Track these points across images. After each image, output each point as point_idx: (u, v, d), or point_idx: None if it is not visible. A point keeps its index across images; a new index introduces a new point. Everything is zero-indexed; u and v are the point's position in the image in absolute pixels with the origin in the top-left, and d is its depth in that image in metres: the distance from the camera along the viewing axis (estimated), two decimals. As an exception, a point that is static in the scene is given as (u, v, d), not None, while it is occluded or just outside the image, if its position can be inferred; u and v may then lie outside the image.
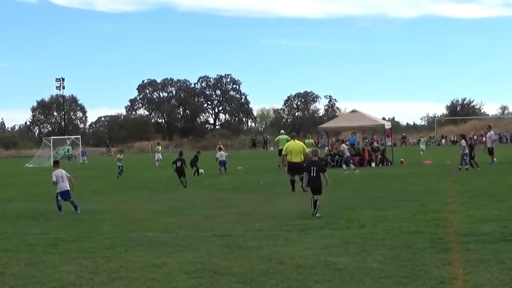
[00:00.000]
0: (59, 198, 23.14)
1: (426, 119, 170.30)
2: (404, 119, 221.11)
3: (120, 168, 44.64)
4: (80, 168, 46.91)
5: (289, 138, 46.21)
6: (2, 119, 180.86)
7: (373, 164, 46.74)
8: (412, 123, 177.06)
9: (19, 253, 14.54)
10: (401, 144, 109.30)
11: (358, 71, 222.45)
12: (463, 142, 40.08)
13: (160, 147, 64.69)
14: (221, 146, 49.59)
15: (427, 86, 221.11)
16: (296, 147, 28.76)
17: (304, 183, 20.12)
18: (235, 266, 12.21)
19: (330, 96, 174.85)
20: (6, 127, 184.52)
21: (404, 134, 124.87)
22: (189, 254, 13.64)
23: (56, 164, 24.58)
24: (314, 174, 19.65)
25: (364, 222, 17.37)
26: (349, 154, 43.06)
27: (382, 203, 21.79)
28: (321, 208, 19.41)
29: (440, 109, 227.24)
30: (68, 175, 23.58)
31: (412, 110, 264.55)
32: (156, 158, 58.47)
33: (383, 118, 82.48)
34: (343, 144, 45.56)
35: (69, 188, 23.16)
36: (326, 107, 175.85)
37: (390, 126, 57.30)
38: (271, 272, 11.57)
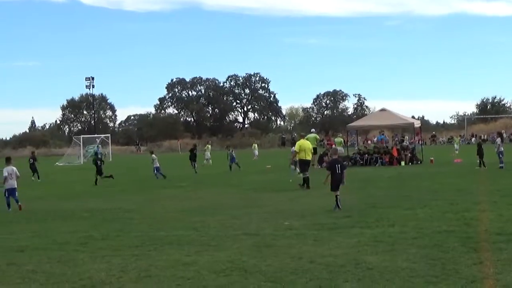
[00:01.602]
0: (7, 195, 24.19)
1: (456, 117, 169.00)
2: (433, 118, 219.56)
3: (157, 169, 42.21)
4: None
5: (318, 137, 46.35)
6: (32, 117, 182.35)
7: (402, 163, 46.48)
8: (442, 122, 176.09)
9: (50, 251, 14.64)
10: (430, 143, 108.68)
11: (387, 70, 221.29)
12: (498, 140, 39.66)
13: (210, 146, 64.60)
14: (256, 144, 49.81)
15: (456, 85, 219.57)
16: (308, 146, 30.47)
17: (330, 180, 20.91)
18: (264, 265, 12.21)
19: (359, 94, 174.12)
20: (37, 125, 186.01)
21: (433, 132, 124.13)
22: (219, 253, 13.65)
23: (8, 160, 25.19)
24: (339, 171, 20.85)
25: (394, 221, 17.29)
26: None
27: (412, 202, 21.68)
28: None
29: (470, 108, 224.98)
30: (18, 173, 24.63)
31: (442, 109, 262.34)
32: (206, 157, 58.03)
33: (413, 117, 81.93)
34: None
35: (16, 186, 24.27)
36: (355, 106, 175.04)
37: (420, 125, 56.92)
38: (301, 271, 11.55)
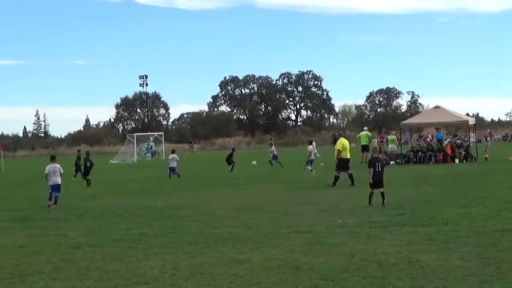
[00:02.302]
0: (50, 190, 25.29)
1: (511, 115, 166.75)
2: (488, 115, 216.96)
3: (171, 169, 41.57)
4: (151, 164, 47.14)
5: (369, 135, 46.16)
6: (87, 116, 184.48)
7: (456, 161, 46.02)
8: (496, 119, 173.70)
9: (104, 248, 14.81)
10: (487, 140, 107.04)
11: (441, 67, 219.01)
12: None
13: (273, 143, 64.57)
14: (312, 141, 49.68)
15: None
16: (348, 144, 30.62)
17: (370, 177, 21.47)
18: (316, 262, 12.20)
19: (412, 92, 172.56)
20: (91, 123, 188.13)
21: (488, 130, 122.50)
22: (271, 250, 13.67)
23: (52, 159, 26.58)
24: (380, 169, 21.46)
25: (448, 219, 17.14)
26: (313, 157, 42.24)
27: (466, 200, 21.47)
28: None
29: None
30: (62, 171, 25.72)
31: (497, 106, 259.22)
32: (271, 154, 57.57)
33: (467, 114, 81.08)
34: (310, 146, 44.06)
35: (59, 183, 25.36)
36: (408, 103, 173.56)
37: (474, 122, 56.31)
38: (353, 269, 11.52)
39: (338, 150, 30.15)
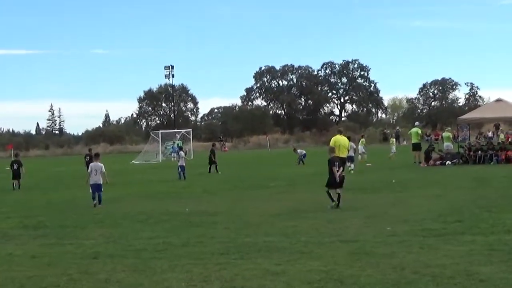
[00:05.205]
0: (91, 190, 27.22)
1: None
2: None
3: (181, 168, 42.73)
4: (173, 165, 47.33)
5: (420, 132, 46.01)
6: (106, 111, 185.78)
7: (521, 161, 45.67)
8: None
9: (125, 259, 14.90)
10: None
11: (503, 55, 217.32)
12: None
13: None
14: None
15: None
16: (344, 142, 30.78)
17: (336, 176, 23.29)
18: (363, 275, 12.18)
19: (471, 83, 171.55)
20: (111, 120, 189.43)
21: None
22: (312, 261, 13.67)
23: (96, 156, 28.84)
24: (338, 169, 23.50)
25: (511, 227, 17.04)
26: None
27: (532, 205, 21.34)
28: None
29: None
30: (103, 170, 27.39)
31: None
32: (360, 151, 57.53)
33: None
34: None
35: (100, 183, 27.13)
36: (466, 96, 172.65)
37: (542, 117, 55.81)
38: (404, 283, 11.50)
39: (331, 147, 30.55)
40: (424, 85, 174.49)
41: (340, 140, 30.46)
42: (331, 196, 23.21)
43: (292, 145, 57.57)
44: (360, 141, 57.90)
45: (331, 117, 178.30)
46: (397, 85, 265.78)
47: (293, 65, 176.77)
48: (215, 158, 47.93)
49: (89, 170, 27.89)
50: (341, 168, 24.07)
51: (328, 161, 23.87)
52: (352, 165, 42.76)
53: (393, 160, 54.50)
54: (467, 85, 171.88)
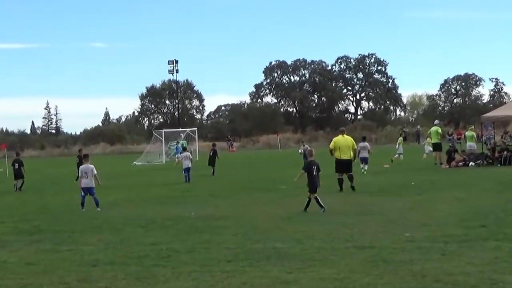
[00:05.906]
0: (83, 194, 27.11)
1: None
2: None
3: (186, 171, 42.46)
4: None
5: (440, 131, 45.97)
6: (106, 109, 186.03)
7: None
8: None
9: (127, 266, 14.96)
10: None
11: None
12: None
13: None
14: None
15: None
16: (345, 143, 31.13)
17: (299, 179, 25.16)
18: (380, 283, 12.20)
19: (496, 79, 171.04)
20: (111, 118, 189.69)
21: None
22: (325, 269, 13.70)
23: (85, 158, 28.84)
24: (316, 173, 24.47)
25: (539, 232, 17.05)
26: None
27: (562, 209, 21.32)
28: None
29: None
30: (95, 172, 27.31)
31: None
32: (398, 151, 56.95)
33: None
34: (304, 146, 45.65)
35: (93, 185, 27.09)
36: (491, 92, 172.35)
37: None
38: (424, 292, 11.50)
39: (330, 149, 31.02)
40: (446, 81, 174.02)
41: (340, 141, 30.98)
42: (319, 202, 23.79)
43: (302, 142, 57.52)
44: (398, 141, 57.19)
45: (346, 115, 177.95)
46: (416, 81, 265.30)
47: (306, 60, 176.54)
48: (217, 158, 47.75)
49: (79, 173, 28.01)
50: (319, 173, 24.74)
51: (303, 165, 25.50)
52: (366, 166, 42.66)
53: (399, 162, 53.22)
54: (492, 81, 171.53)
